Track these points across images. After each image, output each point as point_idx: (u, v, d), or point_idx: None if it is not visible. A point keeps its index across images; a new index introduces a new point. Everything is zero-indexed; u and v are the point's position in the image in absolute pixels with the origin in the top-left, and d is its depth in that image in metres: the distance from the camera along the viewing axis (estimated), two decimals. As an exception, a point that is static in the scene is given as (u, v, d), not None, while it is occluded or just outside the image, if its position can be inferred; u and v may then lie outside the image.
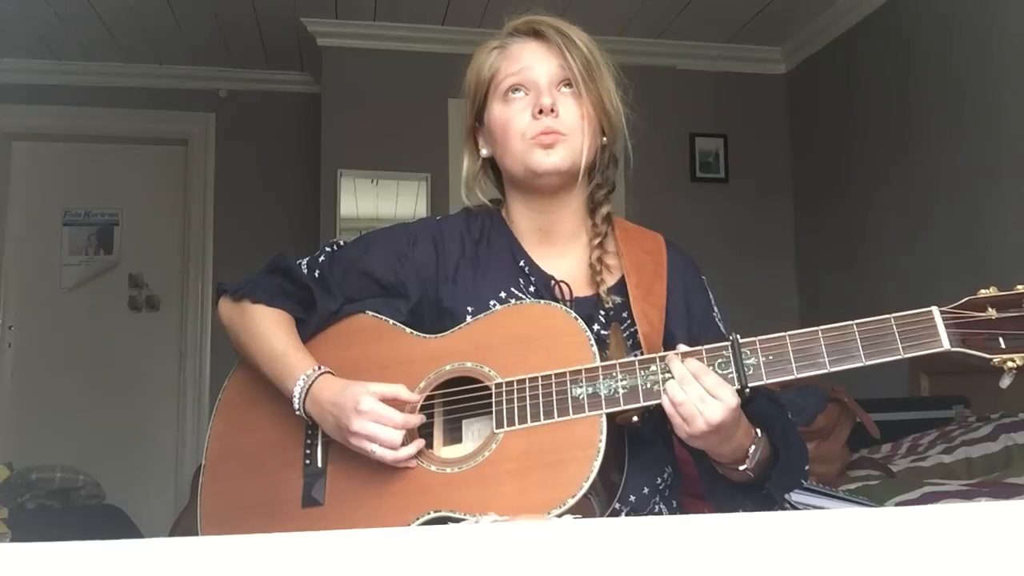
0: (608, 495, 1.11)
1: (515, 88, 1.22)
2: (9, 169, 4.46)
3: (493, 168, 1.32)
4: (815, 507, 1.64)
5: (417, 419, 1.13)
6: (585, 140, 1.20)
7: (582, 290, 1.24)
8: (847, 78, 3.87)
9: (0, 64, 4.24)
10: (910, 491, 1.86)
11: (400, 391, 1.13)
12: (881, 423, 2.33)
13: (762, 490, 1.13)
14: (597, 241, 1.25)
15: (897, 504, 1.80)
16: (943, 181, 3.25)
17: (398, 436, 1.10)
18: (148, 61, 4.39)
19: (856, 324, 1.02)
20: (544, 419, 1.08)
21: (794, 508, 1.56)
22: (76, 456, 3.47)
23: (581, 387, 1.08)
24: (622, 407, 1.06)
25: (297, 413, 1.17)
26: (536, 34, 1.24)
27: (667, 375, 1.05)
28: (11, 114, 4.35)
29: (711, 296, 1.31)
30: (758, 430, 1.11)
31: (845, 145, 3.89)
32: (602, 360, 1.10)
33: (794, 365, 1.03)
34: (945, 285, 3.17)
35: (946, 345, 0.98)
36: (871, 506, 1.71)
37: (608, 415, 1.07)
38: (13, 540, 2.31)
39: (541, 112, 1.19)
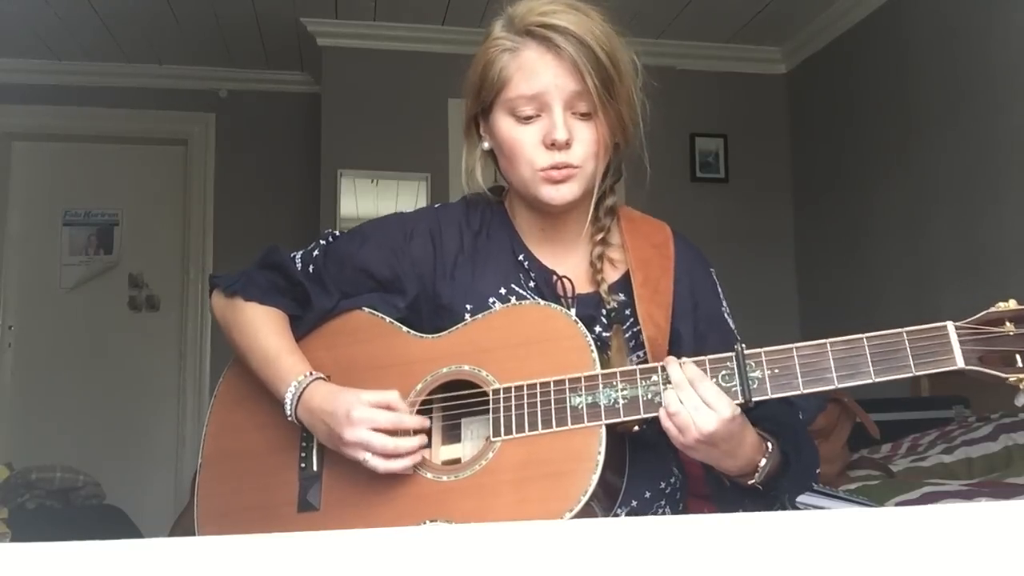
0: (609, 500, 1.09)
1: (526, 111, 1.13)
2: (9, 169, 4.47)
3: (494, 155, 1.24)
4: (815, 507, 1.63)
5: (412, 420, 1.10)
6: (597, 166, 1.15)
7: (584, 287, 1.21)
8: (847, 78, 3.87)
9: (0, 64, 4.24)
10: (910, 491, 1.85)
11: (393, 399, 1.10)
12: (881, 423, 2.32)
13: (770, 494, 1.11)
14: (599, 237, 1.21)
15: (897, 504, 1.80)
16: (943, 181, 3.25)
17: (392, 442, 1.08)
18: (148, 61, 4.39)
19: (866, 338, 0.97)
20: (542, 428, 1.05)
21: (794, 508, 1.56)
22: (76, 456, 3.47)
23: (580, 396, 1.05)
24: (622, 418, 1.04)
25: (289, 419, 1.15)
26: (552, 44, 1.11)
27: (667, 385, 1.02)
28: (11, 114, 4.35)
29: (720, 291, 1.26)
30: (769, 444, 1.07)
31: (845, 145, 3.89)
32: (602, 364, 1.07)
33: (800, 380, 0.99)
34: (945, 284, 3.18)
35: (960, 364, 0.93)
36: (871, 506, 1.70)
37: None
38: (13, 540, 2.30)
39: (554, 145, 1.12)
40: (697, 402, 0.99)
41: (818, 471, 1.19)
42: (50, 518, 2.68)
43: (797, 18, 3.99)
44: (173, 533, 2.72)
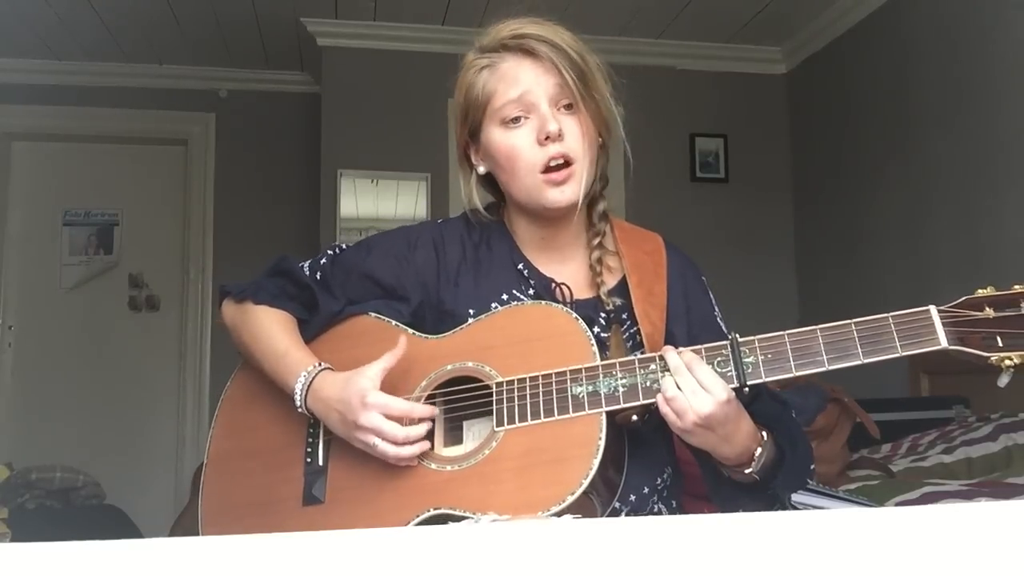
0: (608, 494, 1.11)
1: (515, 116, 1.19)
2: (9, 169, 4.47)
3: (488, 178, 1.29)
4: (815, 507, 1.64)
5: (423, 409, 1.13)
6: (587, 159, 1.19)
7: (582, 293, 1.24)
8: (847, 78, 3.87)
9: (0, 64, 4.24)
10: (910, 491, 1.86)
11: (400, 401, 1.13)
12: (881, 423, 2.33)
13: (767, 491, 1.13)
14: (596, 241, 1.25)
15: (897, 504, 1.80)
16: (942, 180, 3.25)
17: (402, 431, 1.10)
18: (148, 61, 4.39)
19: (854, 323, 1.02)
20: (544, 417, 1.08)
21: (794, 508, 1.56)
22: (76, 456, 3.48)
23: (581, 386, 1.08)
24: (622, 405, 1.07)
25: (299, 410, 1.17)
26: (526, 50, 1.20)
27: (665, 372, 1.06)
28: (11, 114, 4.35)
29: (712, 297, 1.31)
30: (764, 432, 1.11)
31: (845, 145, 3.89)
32: (602, 359, 1.10)
33: (792, 363, 1.03)
34: (944, 283, 3.18)
35: (943, 343, 0.99)
36: (871, 506, 1.71)
37: (608, 415, 1.07)
38: (13, 540, 2.31)
39: (548, 138, 1.17)
40: (694, 386, 1.03)
41: (813, 467, 1.22)
42: (50, 518, 2.69)
43: (797, 18, 3.99)
44: (173, 533, 2.72)
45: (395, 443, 1.10)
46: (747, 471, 1.09)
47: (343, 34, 4.06)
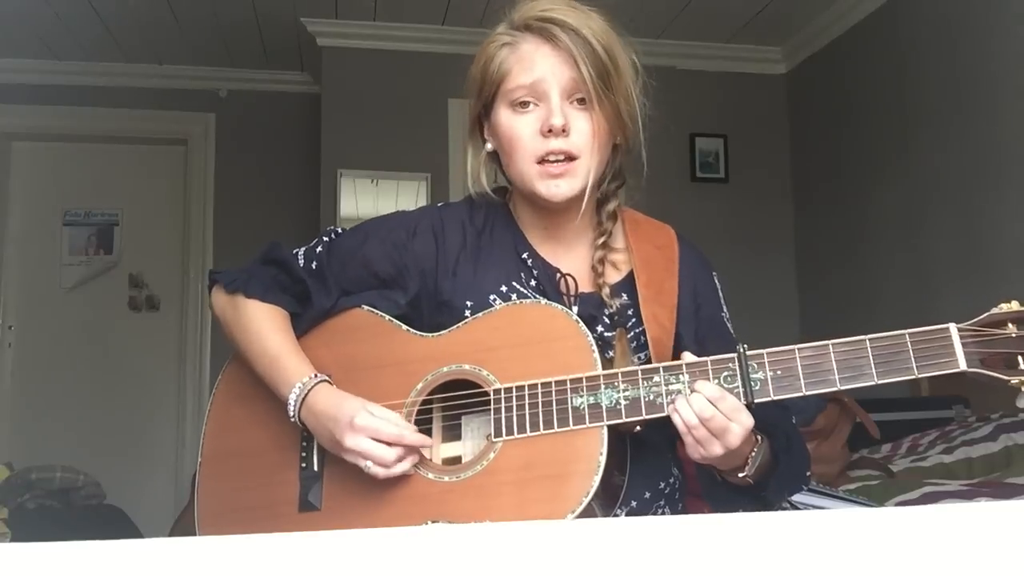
0: (610, 499, 1.09)
1: (524, 100, 1.15)
2: (9, 169, 4.46)
3: (497, 158, 1.25)
4: (815, 507, 1.64)
5: (413, 437, 1.10)
6: (594, 159, 1.15)
7: (588, 286, 1.20)
8: (847, 78, 3.87)
9: (0, 64, 4.24)
10: (910, 491, 1.86)
11: (391, 425, 1.10)
12: (881, 423, 2.33)
13: (761, 493, 1.11)
14: (601, 240, 1.21)
15: (897, 504, 1.80)
16: (942, 180, 3.25)
17: (392, 453, 1.08)
18: (148, 61, 4.39)
19: (869, 340, 0.97)
20: (544, 429, 1.05)
21: (794, 508, 1.56)
22: (76, 456, 3.46)
23: (582, 396, 1.05)
24: (623, 419, 1.04)
25: (292, 421, 1.15)
26: (549, 35, 1.15)
27: (671, 386, 1.03)
28: (11, 114, 4.34)
29: (721, 295, 1.27)
30: (758, 436, 1.08)
31: (845, 145, 3.89)
32: (604, 364, 1.07)
33: (803, 382, 0.99)
34: (944, 283, 3.18)
35: (963, 366, 0.93)
36: (871, 506, 1.71)
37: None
38: (13, 540, 2.31)
39: (551, 131, 1.13)
40: (723, 423, 1.00)
41: (809, 474, 1.20)
42: (50, 518, 2.68)
43: (797, 18, 3.99)
44: (173, 533, 2.72)
45: (385, 466, 1.08)
46: (740, 475, 1.07)
47: (343, 34, 4.06)
